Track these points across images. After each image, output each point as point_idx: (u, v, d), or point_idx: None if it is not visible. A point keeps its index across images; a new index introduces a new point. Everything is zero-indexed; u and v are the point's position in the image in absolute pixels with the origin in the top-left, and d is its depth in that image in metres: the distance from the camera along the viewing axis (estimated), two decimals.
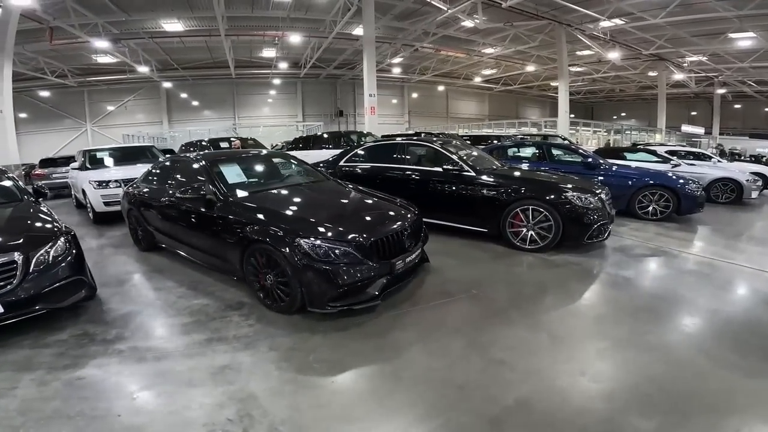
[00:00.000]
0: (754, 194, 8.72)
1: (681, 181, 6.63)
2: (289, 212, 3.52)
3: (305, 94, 28.46)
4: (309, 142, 12.00)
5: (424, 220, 5.31)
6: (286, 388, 2.37)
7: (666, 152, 11.28)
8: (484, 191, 5.04)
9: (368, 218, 3.57)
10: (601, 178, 6.83)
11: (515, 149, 8.33)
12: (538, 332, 2.94)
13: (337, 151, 7.24)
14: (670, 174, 6.92)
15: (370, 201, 4.08)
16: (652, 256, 4.76)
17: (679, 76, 24.60)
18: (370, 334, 2.97)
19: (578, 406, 2.17)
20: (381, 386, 2.40)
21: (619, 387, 2.32)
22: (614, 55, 18.93)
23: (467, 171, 5.20)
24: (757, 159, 22.87)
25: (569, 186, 4.78)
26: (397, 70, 26.80)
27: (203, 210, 3.82)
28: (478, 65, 27.04)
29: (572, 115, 31.92)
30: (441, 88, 31.84)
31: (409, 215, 3.75)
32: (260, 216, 3.44)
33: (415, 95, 31.95)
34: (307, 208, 3.69)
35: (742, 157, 23.86)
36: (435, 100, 32.79)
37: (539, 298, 3.56)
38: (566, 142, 16.81)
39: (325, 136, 12.26)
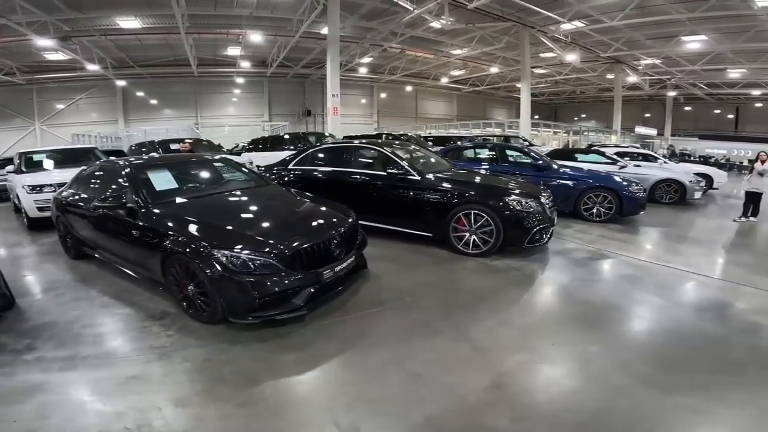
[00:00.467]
0: (697, 195, 9.08)
1: (623, 183, 6.84)
2: (209, 222, 3.38)
3: (272, 93, 27.91)
4: (268, 143, 11.70)
5: (371, 224, 5.37)
6: (194, 399, 2.32)
7: (615, 153, 11.72)
8: (428, 195, 5.02)
9: (295, 227, 3.47)
10: (549, 179, 7.00)
11: (471, 151, 8.39)
12: (462, 343, 2.91)
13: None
14: (613, 176, 7.12)
15: (302, 208, 3.99)
16: (591, 259, 4.85)
17: (633, 78, 25.60)
18: (292, 345, 2.89)
19: (486, 426, 2.12)
20: (291, 400, 2.34)
21: (530, 404, 2.28)
22: (573, 57, 19.49)
23: (412, 175, 5.16)
24: (705, 160, 24.21)
25: (511, 190, 4.83)
26: (364, 70, 26.72)
27: (126, 218, 3.64)
28: (446, 66, 27.31)
29: (536, 117, 32.99)
30: (410, 88, 31.93)
31: (341, 222, 3.67)
32: (179, 226, 3.33)
33: (384, 95, 31.92)
34: (232, 217, 3.55)
35: (692, 158, 25.19)
36: (404, 101, 32.86)
37: (472, 307, 3.53)
38: (524, 143, 17.25)
39: (286, 137, 12.00)
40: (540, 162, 7.18)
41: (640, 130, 29.88)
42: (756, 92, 26.87)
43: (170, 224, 3.35)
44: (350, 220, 3.82)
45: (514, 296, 3.75)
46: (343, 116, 30.24)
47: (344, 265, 3.46)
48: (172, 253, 3.17)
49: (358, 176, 5.60)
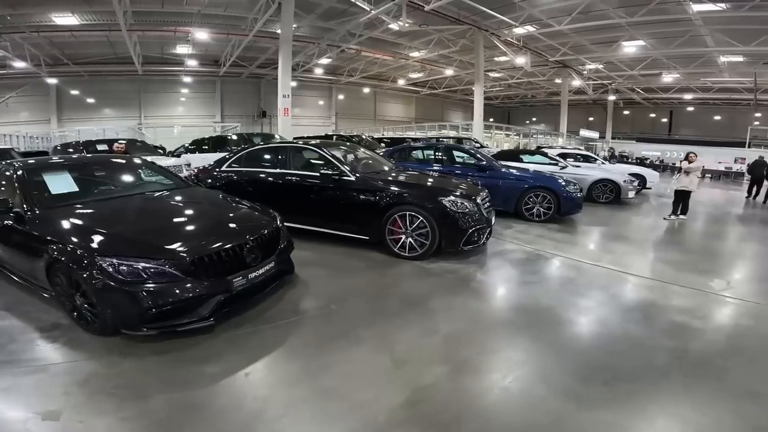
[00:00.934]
0: (631, 194, 9.50)
1: (561, 183, 6.99)
2: (99, 227, 3.01)
3: (226, 93, 26.86)
4: (210, 144, 11.09)
5: (307, 228, 5.19)
6: (67, 413, 2.12)
7: (558, 155, 12.13)
8: (363, 197, 4.84)
9: (203, 232, 3.18)
10: (491, 180, 7.04)
11: (418, 152, 8.32)
12: (383, 354, 2.72)
13: None
14: (552, 177, 7.27)
15: (217, 212, 3.70)
16: (527, 260, 4.84)
17: (576, 82, 26.84)
18: (195, 358, 2.62)
19: None
20: (175, 419, 2.09)
21: (440, 423, 2.10)
22: (522, 60, 20.08)
23: (347, 175, 4.95)
24: (641, 161, 25.79)
25: (446, 191, 4.73)
26: (322, 71, 26.29)
27: (13, 224, 3.20)
28: (405, 68, 27.41)
29: (491, 119, 33.86)
30: (369, 90, 31.82)
31: (258, 226, 3.42)
32: (64, 232, 2.98)
33: (343, 97, 31.62)
34: (129, 222, 3.22)
35: (629, 160, 26.79)
36: (363, 102, 32.71)
37: (400, 314, 3.35)
38: (475, 145, 17.59)
39: (231, 137, 11.46)
40: (483, 163, 7.22)
41: (584, 133, 31.45)
42: (688, 96, 28.95)
43: (56, 230, 2.99)
44: (271, 224, 3.56)
45: (444, 302, 3.60)
46: (301, 118, 30.36)
47: (261, 271, 3.19)
48: (56, 262, 2.85)
49: (293, 177, 5.33)
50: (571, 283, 4.10)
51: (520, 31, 17.62)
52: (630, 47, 18.86)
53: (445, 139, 18.98)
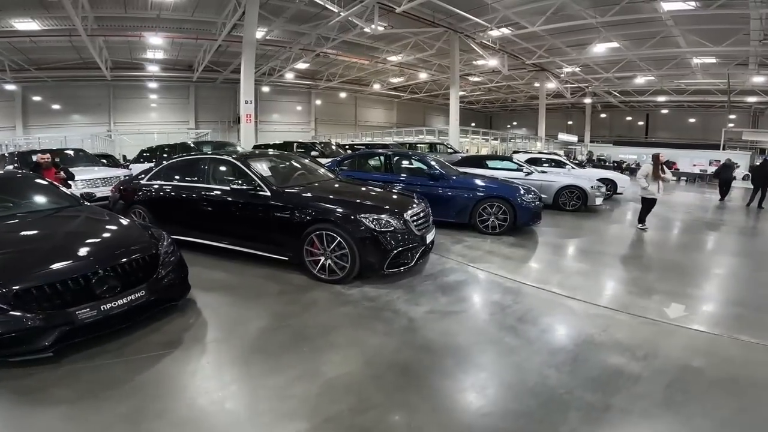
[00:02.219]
0: (598, 201, 9.03)
1: (518, 192, 6.45)
2: None
3: (200, 99, 26.05)
4: (155, 153, 10.35)
5: (225, 247, 4.71)
6: None
7: (527, 160, 11.70)
8: (278, 213, 4.31)
9: (36, 261, 2.71)
10: (443, 190, 6.51)
11: (370, 160, 7.71)
12: (237, 403, 2.23)
13: None
14: (508, 185, 6.74)
15: (73, 237, 3.16)
16: (463, 283, 4.28)
17: (551, 85, 26.68)
18: (21, 389, 2.34)
19: None
20: None
21: None
22: (495, 62, 19.74)
23: (262, 190, 4.40)
24: (618, 164, 25.62)
25: (367, 206, 4.20)
26: (294, 76, 25.66)
27: None
28: (385, 73, 26.98)
29: (473, 124, 33.65)
30: (349, 95, 31.32)
31: (120, 254, 2.97)
32: None
33: (323, 102, 31.02)
34: None
35: (606, 163, 26.61)
36: (343, 108, 32.16)
37: (286, 352, 2.80)
38: (448, 150, 17.14)
39: (191, 144, 10.78)
40: (434, 172, 6.65)
41: (563, 137, 31.31)
42: (662, 99, 28.98)
43: None
44: (146, 248, 3.11)
45: (345, 337, 3.06)
46: (279, 123, 29.66)
47: (121, 302, 2.75)
48: None
49: (208, 192, 4.82)
50: (502, 312, 3.55)
51: (495, 33, 17.30)
52: (604, 49, 18.63)
53: (418, 145, 18.55)
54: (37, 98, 21.91)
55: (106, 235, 3.36)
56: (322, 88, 28.71)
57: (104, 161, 10.12)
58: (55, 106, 22.56)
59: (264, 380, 2.45)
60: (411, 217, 4.26)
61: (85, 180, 7.50)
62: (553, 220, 7.63)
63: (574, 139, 32.77)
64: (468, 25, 17.11)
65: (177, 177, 5.29)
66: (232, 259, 4.68)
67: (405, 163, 7.19)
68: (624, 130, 35.59)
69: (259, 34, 17.03)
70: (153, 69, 21.92)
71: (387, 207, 4.22)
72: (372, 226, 3.94)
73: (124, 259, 2.88)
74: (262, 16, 14.33)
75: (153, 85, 23.82)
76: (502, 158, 10.93)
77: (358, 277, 4.10)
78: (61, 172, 5.70)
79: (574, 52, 20.43)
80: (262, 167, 4.98)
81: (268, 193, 4.40)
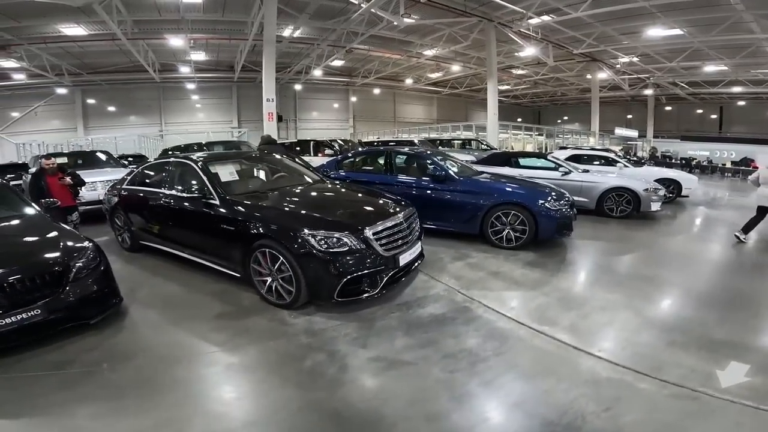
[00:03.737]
0: (655, 206, 7.40)
1: (540, 196, 5.26)
2: None
3: (242, 98, 26.43)
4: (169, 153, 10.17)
5: (188, 257, 4.30)
6: None
7: (570, 157, 10.19)
8: (225, 225, 3.71)
9: None
10: (449, 194, 5.48)
11: (364, 159, 6.81)
12: None
13: None
14: (530, 187, 5.56)
15: None
16: (440, 319, 3.30)
17: (604, 74, 23.94)
18: None
19: None
20: None
21: None
22: (533, 50, 17.95)
23: (212, 198, 3.74)
24: (687, 162, 22.48)
25: (314, 220, 3.40)
26: (332, 73, 25.31)
27: None
28: (421, 68, 25.85)
29: (519, 119, 31.43)
30: (387, 91, 30.44)
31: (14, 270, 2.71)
32: None
33: (360, 99, 30.39)
34: None
35: (673, 160, 23.49)
36: (381, 104, 31.33)
37: (168, 392, 2.36)
38: (482, 146, 15.77)
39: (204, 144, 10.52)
40: (439, 172, 5.62)
41: (620, 131, 28.20)
42: (737, 89, 25.10)
43: None
44: (49, 263, 2.92)
45: (249, 384, 2.54)
46: (317, 121, 29.62)
47: (10, 320, 2.58)
48: None
49: (166, 198, 4.41)
50: (469, 370, 2.58)
51: (535, 21, 15.60)
52: (663, 35, 16.22)
53: (454, 141, 17.31)
54: (95, 101, 23.33)
55: (5, 250, 2.99)
56: (359, 85, 28.10)
57: (125, 162, 10.04)
58: (112, 108, 23.87)
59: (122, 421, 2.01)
60: (375, 234, 3.35)
61: (91, 183, 7.34)
62: (593, 230, 6.35)
63: (634, 134, 29.43)
64: (503, 13, 15.67)
65: (147, 181, 4.97)
66: (197, 271, 4.25)
67: (406, 162, 6.22)
68: (693, 124, 31.43)
69: (287, 32, 16.82)
70: (197, 71, 22.48)
71: (342, 221, 3.37)
72: (317, 244, 3.15)
73: (13, 278, 2.64)
74: (286, 12, 13.93)
75: (198, 86, 24.51)
76: (536, 155, 9.51)
77: (312, 301, 3.36)
78: (67, 178, 5.38)
79: (629, 41, 18.07)
80: (228, 171, 4.38)
81: (217, 202, 3.80)
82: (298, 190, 4.24)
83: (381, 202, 3.98)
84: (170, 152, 11.12)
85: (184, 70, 22.32)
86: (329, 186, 4.65)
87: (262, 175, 4.78)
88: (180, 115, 25.47)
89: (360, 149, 8.72)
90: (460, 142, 16.20)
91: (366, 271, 3.24)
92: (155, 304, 3.65)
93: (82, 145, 21.17)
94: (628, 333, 3.07)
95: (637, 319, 3.33)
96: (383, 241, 3.42)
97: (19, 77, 19.57)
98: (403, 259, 3.55)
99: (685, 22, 15.00)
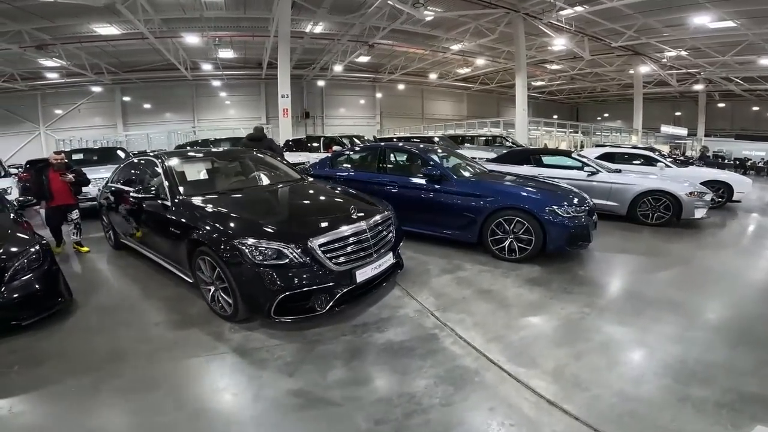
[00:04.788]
0: (699, 213, 6.30)
1: (551, 200, 4.48)
2: None
3: (270, 95, 26.50)
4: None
5: (152, 258, 4.11)
6: None
7: (600, 156, 9.15)
8: (174, 229, 3.43)
9: None
10: (444, 196, 4.85)
11: (357, 157, 6.23)
12: None
13: None
14: (540, 190, 4.77)
15: None
16: (396, 348, 2.72)
17: (647, 69, 21.93)
18: None
19: None
20: None
21: None
22: (562, 42, 16.65)
23: (165, 198, 3.56)
24: (741, 162, 20.24)
25: (250, 226, 2.98)
26: (352, 70, 24.85)
27: None
28: (449, 63, 24.92)
29: (555, 116, 29.69)
30: (413, 87, 29.67)
31: None
32: None
33: (388, 95, 29.78)
34: None
35: (725, 161, 21.23)
36: (409, 101, 30.58)
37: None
38: (506, 142, 14.76)
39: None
40: (433, 171, 4.95)
41: (667, 129, 25.87)
42: None
43: None
44: None
45: (130, 407, 2.24)
46: (343, 118, 29.35)
47: None
48: None
49: (133, 198, 4.14)
50: (403, 423, 1.99)
51: (567, 12, 14.41)
52: (712, 28, 14.51)
53: (479, 138, 16.38)
54: (132, 98, 24.23)
55: None
56: (385, 81, 27.54)
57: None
58: (148, 105, 24.72)
59: None
60: (324, 246, 2.84)
61: (101, 179, 7.33)
62: (621, 241, 5.49)
63: (682, 132, 26.94)
64: (531, 4, 14.69)
65: (122, 180, 4.80)
66: (164, 273, 4.05)
67: (400, 160, 5.61)
68: (749, 122, 28.39)
69: (308, 28, 16.54)
70: (226, 68, 22.79)
71: (286, 229, 2.89)
72: (250, 255, 2.72)
73: None
74: (304, 8, 13.61)
75: (227, 83, 24.88)
76: (559, 153, 8.57)
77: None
78: (69, 175, 5.13)
79: (675, 33, 16.36)
80: (196, 170, 4.04)
81: (169, 203, 3.50)
82: (261, 192, 3.83)
83: (347, 206, 3.42)
84: (187, 149, 11.09)
85: (206, 67, 22.69)
86: (300, 187, 4.17)
87: (233, 174, 4.38)
88: (212, 112, 26.01)
89: (348, 148, 8.11)
90: (483, 139, 15.25)
91: (307, 289, 2.75)
92: (104, 308, 3.49)
93: (120, 141, 22.07)
94: (629, 383, 2.34)
95: (646, 362, 2.58)
96: (335, 254, 2.90)
97: (52, 76, 20.45)
98: (363, 274, 3.00)
99: (736, 14, 13.41)
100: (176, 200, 3.49)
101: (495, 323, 3.05)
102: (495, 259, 4.55)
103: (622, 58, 21.15)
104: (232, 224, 3.02)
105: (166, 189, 3.61)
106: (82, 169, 5.55)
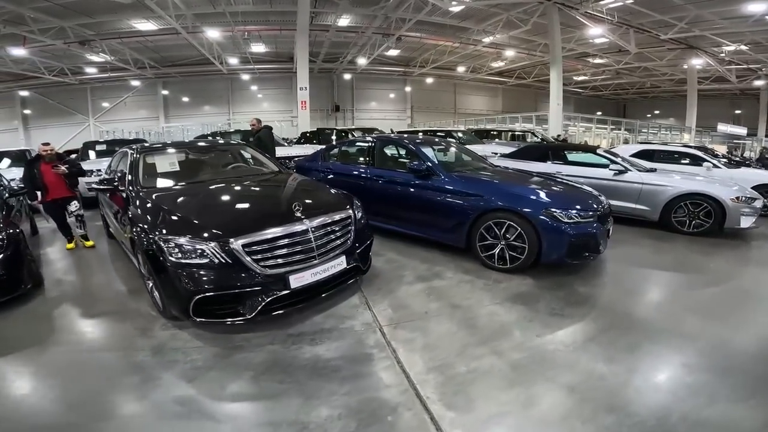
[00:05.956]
0: (746, 221, 5.27)
1: (548, 202, 3.82)
2: None
3: None
4: None
5: None
6: None
7: (635, 153, 8.19)
8: (127, 221, 3.32)
9: None
10: (431, 193, 4.35)
11: (349, 150, 5.81)
12: None
13: None
14: (541, 189, 4.11)
15: None
16: (326, 365, 2.38)
17: (702, 63, 19.75)
18: None
19: None
20: None
21: None
22: (597, 31, 15.31)
23: (122, 190, 3.56)
24: None
25: (172, 222, 2.78)
26: (382, 63, 24.40)
27: None
28: (482, 57, 23.84)
29: (599, 113, 27.75)
30: (446, 81, 28.73)
31: None
32: None
33: (418, 90, 29.04)
34: None
35: None
36: (440, 95, 29.66)
37: None
38: (536, 138, 13.78)
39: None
40: (419, 165, 4.43)
41: (724, 128, 23.34)
42: None
43: None
44: None
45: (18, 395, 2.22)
46: (375, 111, 29.06)
47: None
48: None
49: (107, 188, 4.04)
50: None
51: (608, 2, 13.12)
52: None
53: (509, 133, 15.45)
54: (173, 92, 25.22)
55: None
56: (416, 75, 26.85)
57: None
58: (186, 99, 25.63)
59: None
60: (249, 246, 2.57)
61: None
62: (646, 251, 4.74)
63: (741, 131, 24.23)
64: None
65: (110, 170, 4.96)
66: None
67: (390, 153, 5.14)
68: None
69: (340, 20, 16.27)
70: (259, 62, 23.11)
71: (210, 227, 2.63)
72: (168, 253, 2.55)
73: None
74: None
75: (260, 76, 25.26)
76: (583, 148, 7.68)
77: None
78: (62, 167, 4.84)
79: (732, 25, 14.56)
80: (168, 162, 3.92)
81: (125, 195, 3.46)
82: (220, 187, 3.55)
83: (295, 204, 3.00)
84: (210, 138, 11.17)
85: (237, 62, 23.02)
86: (266, 181, 3.89)
87: (204, 168, 4.15)
88: (246, 105, 26.53)
89: (341, 140, 7.58)
90: (510, 134, 14.37)
91: (226, 292, 2.51)
92: (63, 297, 3.51)
93: (160, 132, 23.05)
94: None
95: (614, 418, 1.98)
96: (264, 255, 2.60)
97: (96, 71, 21.43)
98: (300, 279, 2.63)
99: None
100: (133, 192, 3.36)
101: (448, 348, 2.57)
102: (484, 268, 4.01)
103: (674, 51, 19.22)
104: (161, 220, 2.81)
105: (128, 181, 3.52)
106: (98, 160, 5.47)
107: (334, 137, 11.29)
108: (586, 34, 17.15)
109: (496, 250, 3.97)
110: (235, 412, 2.01)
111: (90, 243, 5.00)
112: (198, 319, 2.55)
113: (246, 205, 3.12)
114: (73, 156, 8.84)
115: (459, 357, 2.46)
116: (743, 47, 17.20)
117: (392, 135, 6.64)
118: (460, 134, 12.89)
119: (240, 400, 2.09)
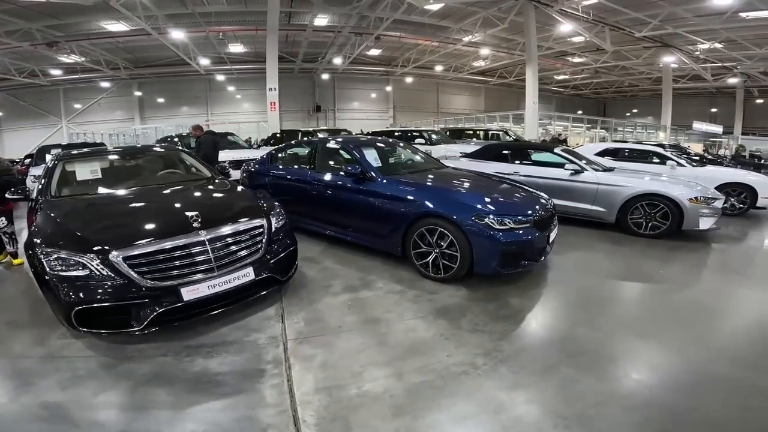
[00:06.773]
0: (705, 223, 5.14)
1: (476, 207, 3.63)
2: None
3: (282, 89, 25.74)
4: None
5: None
6: None
7: (601, 151, 8.27)
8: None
9: None
10: (367, 199, 4.24)
11: (293, 153, 5.66)
12: None
13: None
14: (472, 192, 4.00)
15: None
16: (209, 380, 2.27)
17: (673, 60, 20.02)
18: None
19: None
20: None
21: None
22: (568, 28, 15.43)
23: (34, 200, 3.48)
24: None
25: (64, 236, 2.68)
26: (363, 63, 24.28)
27: None
28: (463, 56, 23.86)
29: (579, 111, 27.98)
30: (428, 81, 28.74)
31: None
32: None
33: (401, 89, 28.98)
34: None
35: (763, 161, 19.13)
36: (423, 95, 29.66)
37: None
38: (510, 137, 13.80)
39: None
40: (357, 169, 4.30)
41: (699, 126, 23.73)
42: None
43: None
44: None
45: None
46: (356, 111, 28.79)
47: None
48: None
49: None
50: None
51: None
52: (749, 18, 12.97)
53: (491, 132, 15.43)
54: (148, 93, 24.73)
55: None
56: (398, 75, 26.78)
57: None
58: (162, 100, 25.20)
59: None
60: (131, 258, 2.50)
61: None
62: (596, 256, 4.62)
63: (717, 129, 24.68)
64: None
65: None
66: None
67: (330, 156, 5.01)
68: None
69: (314, 20, 16.10)
70: (238, 62, 22.84)
71: (91, 238, 2.57)
72: (47, 265, 2.53)
73: None
74: None
75: (239, 77, 24.95)
76: (541, 148, 7.63)
77: None
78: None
79: (707, 22, 14.75)
80: (89, 169, 3.76)
81: (33, 205, 3.38)
82: (134, 194, 3.41)
83: (194, 212, 2.88)
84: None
85: (217, 63, 22.71)
86: (184, 189, 3.71)
87: (125, 175, 3.97)
88: (225, 106, 26.21)
89: (285, 144, 7.41)
90: (484, 133, 14.39)
91: (106, 304, 2.44)
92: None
93: (139, 134, 22.56)
94: None
95: None
96: (150, 268, 2.52)
97: (69, 72, 20.93)
98: (194, 291, 2.52)
99: None
100: (40, 202, 3.22)
101: (348, 367, 2.43)
102: (420, 278, 3.84)
103: (650, 50, 19.43)
104: (47, 231, 2.72)
105: (38, 189, 3.43)
106: None
107: (300, 138, 11.13)
108: (563, 33, 17.29)
109: (430, 258, 3.86)
110: (97, 420, 2.00)
111: (18, 261, 4.49)
112: (83, 330, 2.48)
113: (144, 216, 2.97)
114: (27, 161, 8.60)
115: (355, 378, 2.32)
116: (718, 45, 17.46)
117: (333, 137, 6.47)
118: (432, 134, 12.82)
119: (107, 409, 2.07)
